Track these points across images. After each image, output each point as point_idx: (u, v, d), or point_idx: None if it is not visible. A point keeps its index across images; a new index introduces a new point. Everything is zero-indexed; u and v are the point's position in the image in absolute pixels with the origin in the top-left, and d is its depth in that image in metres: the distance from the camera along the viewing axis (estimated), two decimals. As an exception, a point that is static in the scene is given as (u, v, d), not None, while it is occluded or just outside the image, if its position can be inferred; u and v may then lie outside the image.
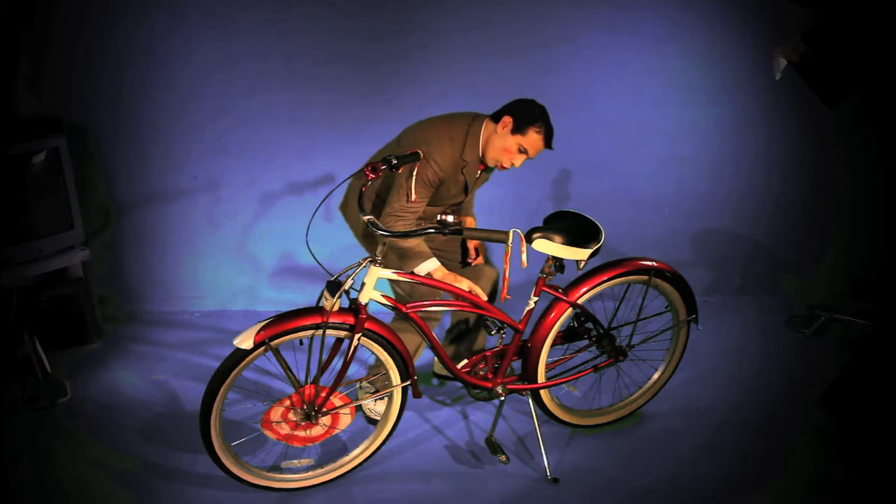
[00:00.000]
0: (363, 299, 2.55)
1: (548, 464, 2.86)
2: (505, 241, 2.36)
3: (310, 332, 2.53)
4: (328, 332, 2.54)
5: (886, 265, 3.81)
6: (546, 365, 2.95)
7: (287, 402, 2.63)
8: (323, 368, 2.60)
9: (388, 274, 2.61)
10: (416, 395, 2.77)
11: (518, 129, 2.79)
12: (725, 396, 3.36)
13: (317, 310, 2.53)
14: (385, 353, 2.68)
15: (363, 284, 2.56)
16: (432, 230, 2.46)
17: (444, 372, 3.01)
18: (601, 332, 3.01)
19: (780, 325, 4.01)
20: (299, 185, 4.04)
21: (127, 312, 4.12)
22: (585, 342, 3.05)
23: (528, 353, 2.91)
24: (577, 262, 2.81)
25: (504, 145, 2.81)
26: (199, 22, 3.80)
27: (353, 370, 3.45)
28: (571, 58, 4.01)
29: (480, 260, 3.15)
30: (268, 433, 2.67)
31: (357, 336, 2.56)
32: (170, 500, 2.71)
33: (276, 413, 2.65)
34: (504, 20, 3.92)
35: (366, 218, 2.53)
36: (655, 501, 2.75)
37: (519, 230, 2.43)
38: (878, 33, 2.79)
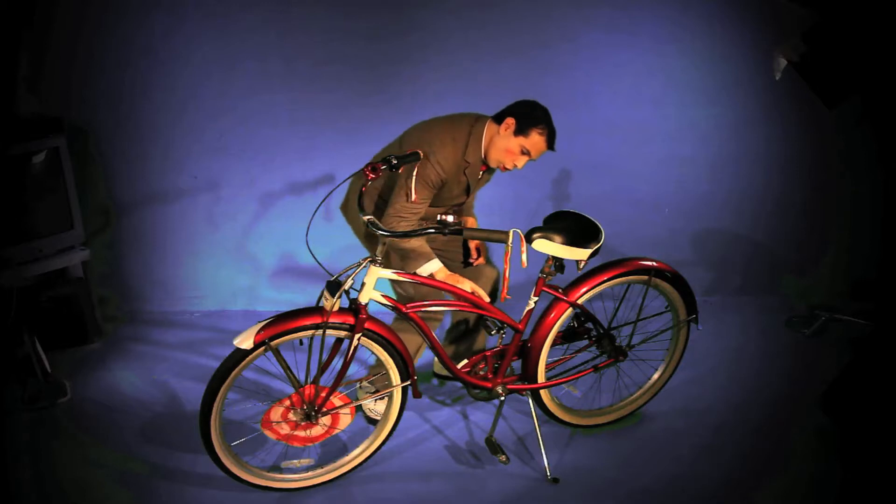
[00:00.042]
0: (363, 299, 2.55)
1: (548, 464, 2.86)
2: (505, 241, 2.36)
3: (310, 332, 2.53)
4: (328, 332, 2.54)
5: (886, 265, 3.81)
6: (546, 365, 2.95)
7: (287, 402, 2.64)
8: (323, 368, 2.60)
9: (388, 274, 2.61)
10: (416, 395, 2.77)
11: (521, 130, 2.79)
12: (725, 396, 3.36)
13: (317, 310, 2.53)
14: (385, 353, 2.68)
15: (363, 284, 2.56)
16: (432, 230, 2.46)
17: (444, 372, 3.01)
18: (601, 332, 3.01)
19: (780, 325, 4.01)
20: (299, 185, 4.04)
21: (127, 312, 4.12)
22: (585, 342, 3.05)
23: (528, 353, 2.91)
24: (577, 262, 2.81)
25: (507, 146, 2.81)
26: (199, 22, 3.80)
27: (353, 370, 3.45)
28: (571, 58, 4.01)
29: (482, 260, 3.15)
30: (268, 433, 2.67)
31: (357, 336, 2.56)
32: (170, 500, 2.71)
33: (276, 413, 2.65)
34: (504, 20, 3.91)
35: (366, 218, 2.53)
36: (655, 501, 2.75)
37: (519, 230, 2.43)
38: (878, 33, 2.79)
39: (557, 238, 2.73)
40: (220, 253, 4.13)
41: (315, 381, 2.60)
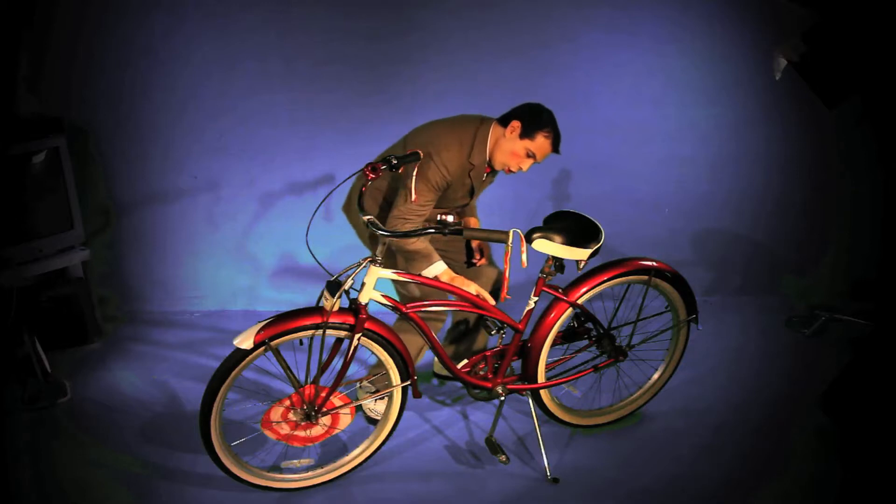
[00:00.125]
0: (363, 299, 2.55)
1: (548, 464, 2.86)
2: (505, 241, 2.37)
3: (310, 332, 2.53)
4: (328, 332, 2.54)
5: (886, 265, 3.81)
6: (546, 365, 2.95)
7: (287, 402, 2.63)
8: (323, 368, 2.60)
9: (388, 274, 2.61)
10: (416, 395, 2.77)
11: (527, 133, 2.79)
12: (725, 396, 3.36)
13: (317, 310, 2.53)
14: (385, 353, 2.68)
15: (363, 284, 2.56)
16: (432, 230, 2.47)
17: (444, 372, 3.01)
18: (601, 332, 3.01)
19: (780, 325, 4.01)
20: (299, 185, 4.04)
21: (127, 312, 4.12)
22: (585, 342, 3.05)
23: (528, 353, 2.91)
24: (577, 262, 2.81)
25: (512, 149, 2.81)
26: (199, 22, 3.80)
27: (353, 370, 3.45)
28: (571, 58, 4.01)
29: (484, 261, 3.15)
30: (268, 433, 2.67)
31: (357, 336, 2.56)
32: (170, 500, 2.71)
33: (276, 413, 2.64)
34: (504, 20, 3.92)
35: (366, 218, 2.53)
36: (655, 501, 2.75)
37: (519, 230, 2.43)
38: (878, 33, 2.79)
39: (557, 238, 2.73)
40: (220, 253, 4.13)
41: (315, 381, 2.60)
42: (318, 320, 2.51)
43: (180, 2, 3.77)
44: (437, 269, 2.79)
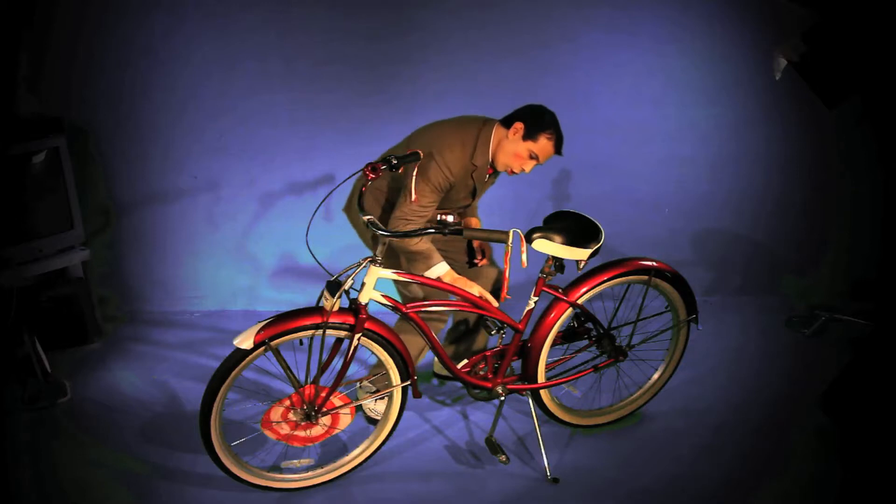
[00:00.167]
0: (363, 299, 2.55)
1: (548, 464, 2.86)
2: (505, 241, 2.37)
3: (310, 332, 2.53)
4: (328, 332, 2.54)
5: (886, 265, 3.81)
6: (546, 365, 2.95)
7: (287, 402, 2.63)
8: (323, 368, 2.60)
9: (388, 274, 2.61)
10: (416, 395, 2.77)
11: (529, 135, 2.79)
12: (725, 396, 3.36)
13: (317, 310, 2.53)
14: (385, 353, 2.68)
15: (363, 284, 2.56)
16: (433, 230, 2.47)
17: (444, 372, 3.01)
18: (601, 332, 3.01)
19: (780, 325, 4.01)
20: (299, 185, 4.04)
21: (127, 312, 4.12)
22: (585, 342, 3.05)
23: (528, 353, 2.91)
24: (577, 262, 2.81)
25: (515, 151, 2.81)
26: (199, 22, 3.80)
27: (353, 370, 3.45)
28: (571, 58, 4.01)
29: (486, 262, 3.15)
30: (268, 433, 2.67)
31: (357, 336, 2.56)
32: (170, 500, 2.71)
33: (276, 413, 2.64)
34: (504, 20, 3.92)
35: (366, 218, 2.53)
36: (655, 501, 2.75)
37: (519, 230, 2.43)
38: (878, 33, 2.79)
39: (557, 238, 2.73)
40: (220, 253, 4.13)
41: (315, 381, 2.60)
42: (318, 320, 2.51)
43: (180, 2, 3.77)
44: (440, 269, 2.79)
